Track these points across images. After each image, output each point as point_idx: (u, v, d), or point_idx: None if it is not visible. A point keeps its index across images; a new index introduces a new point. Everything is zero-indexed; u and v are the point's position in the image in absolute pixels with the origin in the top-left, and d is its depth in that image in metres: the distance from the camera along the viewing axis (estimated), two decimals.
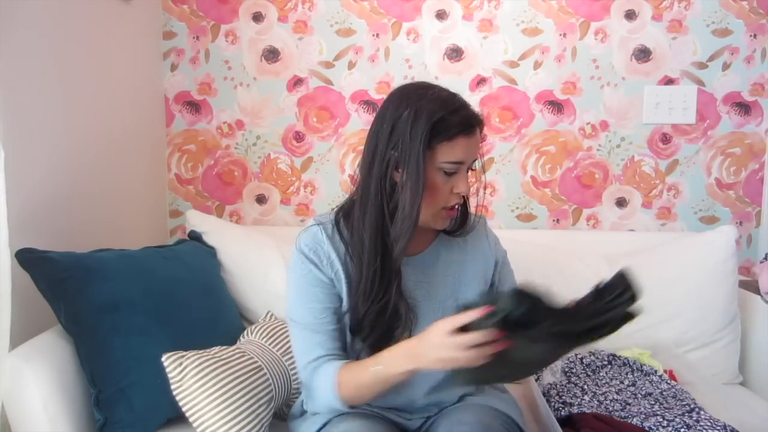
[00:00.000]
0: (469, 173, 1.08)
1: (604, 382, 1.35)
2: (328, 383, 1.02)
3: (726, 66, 1.88)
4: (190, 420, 1.17)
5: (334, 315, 1.07)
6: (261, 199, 2.01)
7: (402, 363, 0.96)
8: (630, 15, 1.88)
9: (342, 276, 1.08)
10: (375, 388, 1.00)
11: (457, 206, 1.08)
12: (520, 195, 1.97)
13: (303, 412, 1.21)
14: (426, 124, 0.99)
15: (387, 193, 1.03)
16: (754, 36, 1.87)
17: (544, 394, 1.32)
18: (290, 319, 1.10)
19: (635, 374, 1.38)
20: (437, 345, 0.90)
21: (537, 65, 1.91)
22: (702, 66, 1.89)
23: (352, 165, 1.96)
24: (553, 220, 1.98)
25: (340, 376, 1.01)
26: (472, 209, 1.17)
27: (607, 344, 1.58)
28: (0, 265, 1.08)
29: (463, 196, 1.11)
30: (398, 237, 1.01)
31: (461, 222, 1.16)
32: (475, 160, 1.06)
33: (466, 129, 1.01)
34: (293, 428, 1.21)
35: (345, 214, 1.11)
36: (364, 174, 1.05)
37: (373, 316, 1.05)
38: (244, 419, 1.17)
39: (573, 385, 1.34)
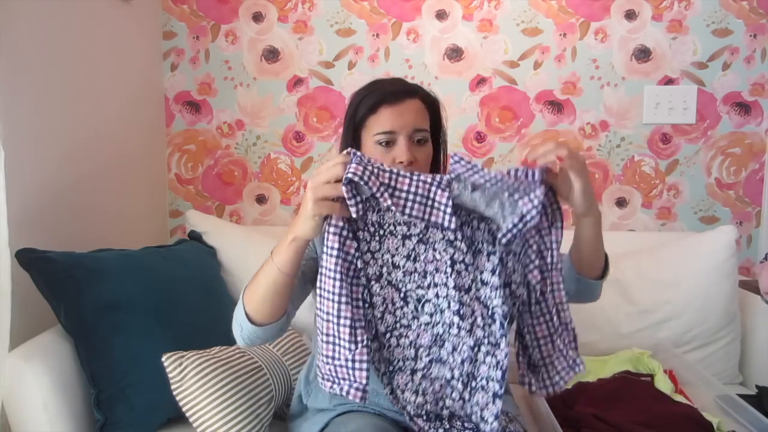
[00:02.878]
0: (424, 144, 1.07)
1: None
2: (240, 299, 0.98)
3: (726, 66, 1.88)
4: (190, 420, 1.17)
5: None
6: (261, 199, 2.01)
7: (282, 239, 0.92)
8: (630, 15, 1.88)
9: None
10: (265, 280, 0.93)
11: None
12: None
13: (302, 411, 1.21)
14: (352, 105, 1.07)
15: None
16: (754, 36, 1.87)
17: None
18: None
19: None
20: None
21: (537, 65, 1.91)
22: (702, 66, 1.89)
23: None
24: None
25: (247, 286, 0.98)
26: None
27: (608, 345, 1.59)
28: (0, 265, 1.08)
29: None
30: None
31: None
32: (418, 131, 1.05)
33: (388, 98, 1.04)
34: (293, 428, 1.21)
35: None
36: None
37: None
38: (244, 419, 1.17)
39: None
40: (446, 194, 0.86)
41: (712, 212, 1.94)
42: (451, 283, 0.92)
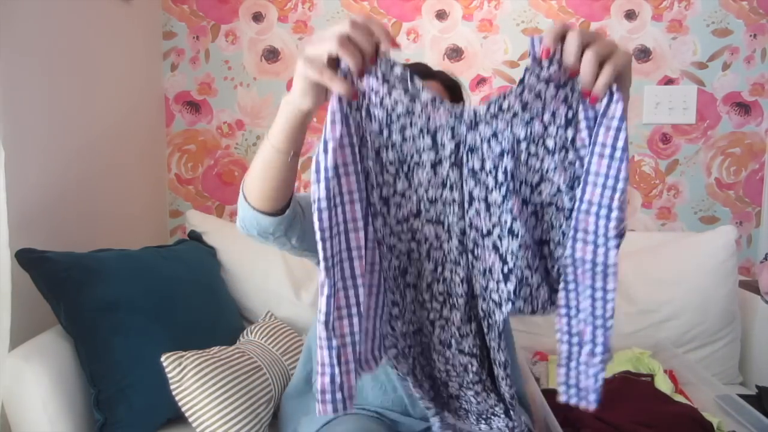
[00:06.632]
0: None
1: None
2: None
3: (726, 66, 1.88)
4: (190, 420, 1.17)
5: None
6: None
7: (279, 114, 0.82)
8: (630, 15, 1.88)
9: None
10: (261, 158, 0.84)
11: None
12: None
13: (301, 392, 1.19)
14: None
15: None
16: (754, 36, 1.87)
17: (543, 393, 1.32)
18: None
19: None
20: None
21: None
22: (702, 66, 1.89)
23: None
24: None
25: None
26: None
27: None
28: (0, 265, 1.08)
29: None
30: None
31: None
32: None
33: None
34: (288, 406, 1.20)
35: None
36: None
37: None
38: (243, 419, 1.18)
39: None
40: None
41: (712, 212, 1.94)
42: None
